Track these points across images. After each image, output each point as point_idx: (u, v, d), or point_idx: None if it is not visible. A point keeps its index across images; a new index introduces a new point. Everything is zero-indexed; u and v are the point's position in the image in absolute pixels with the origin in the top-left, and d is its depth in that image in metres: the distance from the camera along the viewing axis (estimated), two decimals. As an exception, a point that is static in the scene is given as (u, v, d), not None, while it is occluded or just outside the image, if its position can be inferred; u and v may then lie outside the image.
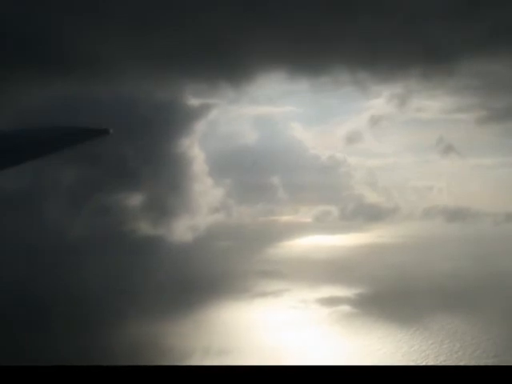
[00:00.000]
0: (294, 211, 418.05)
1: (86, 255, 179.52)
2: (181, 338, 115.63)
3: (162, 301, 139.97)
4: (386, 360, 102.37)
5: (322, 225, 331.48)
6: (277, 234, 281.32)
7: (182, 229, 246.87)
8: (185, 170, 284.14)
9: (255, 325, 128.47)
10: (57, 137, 16.32)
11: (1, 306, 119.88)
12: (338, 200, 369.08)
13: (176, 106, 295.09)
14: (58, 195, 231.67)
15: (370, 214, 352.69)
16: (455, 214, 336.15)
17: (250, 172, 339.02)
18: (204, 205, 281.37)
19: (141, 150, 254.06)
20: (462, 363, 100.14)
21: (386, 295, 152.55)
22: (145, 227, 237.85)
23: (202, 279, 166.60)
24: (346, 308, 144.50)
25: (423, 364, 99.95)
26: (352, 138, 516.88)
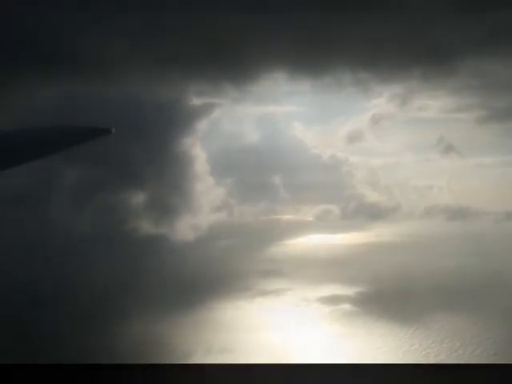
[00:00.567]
0: (296, 210, 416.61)
1: (89, 255, 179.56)
2: (183, 337, 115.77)
3: (165, 299, 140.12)
4: (386, 358, 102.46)
5: (323, 224, 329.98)
6: (278, 232, 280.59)
7: (184, 228, 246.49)
8: (187, 170, 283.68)
9: (257, 323, 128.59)
10: (58, 137, 16.28)
11: (5, 307, 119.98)
12: (339, 199, 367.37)
13: (178, 106, 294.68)
14: (61, 195, 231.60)
15: (371, 213, 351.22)
16: (456, 213, 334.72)
17: (251, 171, 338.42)
18: (206, 204, 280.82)
19: (143, 150, 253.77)
20: (462, 362, 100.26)
21: (386, 294, 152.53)
22: (147, 226, 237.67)
23: (204, 278, 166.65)
24: (347, 306, 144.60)
25: (424, 362, 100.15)
26: (353, 138, 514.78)
